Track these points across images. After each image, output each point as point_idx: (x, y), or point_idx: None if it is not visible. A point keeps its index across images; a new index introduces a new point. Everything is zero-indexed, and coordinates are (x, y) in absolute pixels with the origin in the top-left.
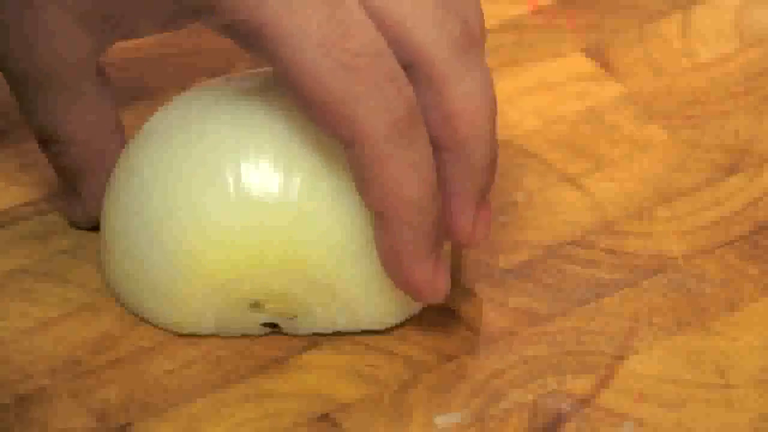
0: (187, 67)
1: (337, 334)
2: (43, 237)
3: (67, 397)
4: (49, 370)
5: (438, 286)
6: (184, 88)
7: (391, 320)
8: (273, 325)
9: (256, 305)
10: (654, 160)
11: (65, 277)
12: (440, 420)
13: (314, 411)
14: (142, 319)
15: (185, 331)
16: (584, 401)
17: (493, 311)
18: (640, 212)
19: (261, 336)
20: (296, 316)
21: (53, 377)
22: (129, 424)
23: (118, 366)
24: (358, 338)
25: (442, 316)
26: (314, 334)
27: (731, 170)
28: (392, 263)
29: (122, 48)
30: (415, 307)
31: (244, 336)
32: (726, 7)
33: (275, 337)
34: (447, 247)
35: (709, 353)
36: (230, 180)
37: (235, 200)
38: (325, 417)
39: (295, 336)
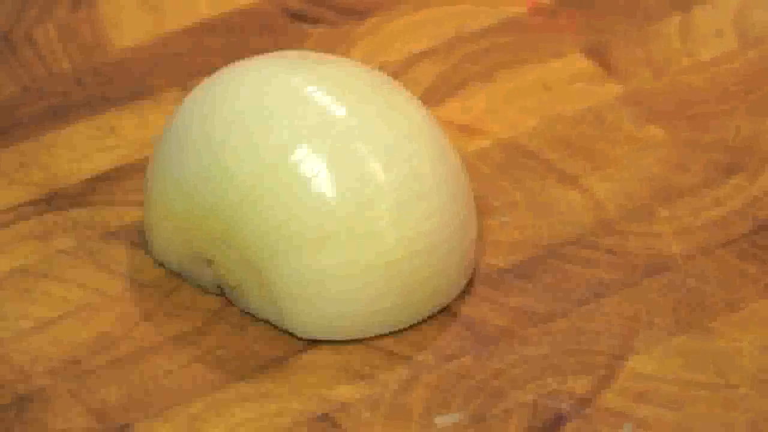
0: (187, 67)
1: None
2: (43, 237)
3: (67, 397)
4: (49, 370)
5: None
6: (184, 88)
7: (316, 333)
8: (222, 289)
9: (208, 263)
10: (654, 160)
11: (65, 277)
12: (440, 420)
13: (314, 411)
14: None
15: (159, 260)
16: (584, 401)
17: (493, 311)
18: (640, 212)
19: (214, 297)
20: (235, 288)
21: (53, 377)
22: (129, 424)
23: (118, 366)
24: (357, 339)
25: (441, 317)
26: (248, 313)
27: (731, 170)
28: None
29: (122, 48)
30: (348, 333)
31: (242, 335)
32: (726, 7)
33: (275, 337)
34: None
35: (709, 353)
36: (210, 139)
37: (204, 157)
38: (325, 417)
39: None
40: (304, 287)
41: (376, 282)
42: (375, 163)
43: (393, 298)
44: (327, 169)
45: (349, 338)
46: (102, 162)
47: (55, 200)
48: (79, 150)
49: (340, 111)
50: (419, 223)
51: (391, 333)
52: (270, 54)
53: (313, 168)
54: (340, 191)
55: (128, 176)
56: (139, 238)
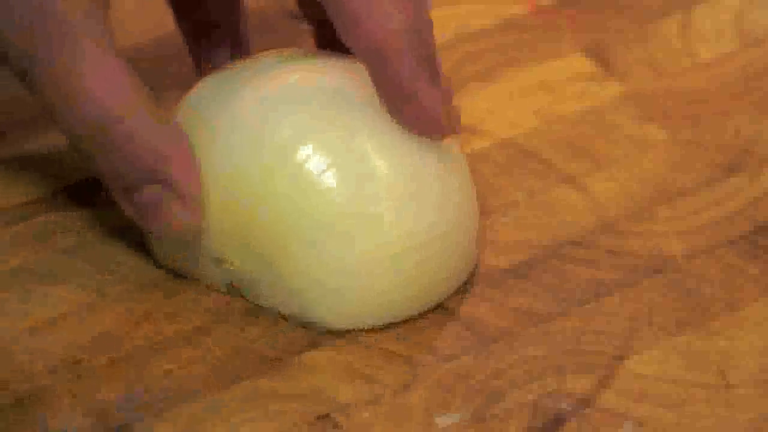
0: (188, 67)
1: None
2: (43, 237)
3: (67, 397)
4: (49, 370)
5: (451, 113)
6: (184, 89)
7: (335, 323)
8: (234, 286)
9: (218, 261)
10: (654, 160)
11: (65, 277)
12: (440, 420)
13: (314, 411)
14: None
15: (163, 263)
16: (584, 401)
17: (493, 311)
18: (640, 212)
19: (224, 295)
20: (249, 286)
21: (53, 377)
22: (129, 424)
23: (118, 366)
24: (358, 338)
25: (441, 316)
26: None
27: (731, 170)
28: (397, 99)
29: (122, 48)
30: (366, 322)
31: (242, 335)
32: (726, 7)
33: (275, 337)
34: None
35: (709, 353)
36: (217, 140)
37: (212, 159)
38: (325, 417)
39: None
40: (319, 280)
41: (388, 271)
42: (380, 160)
43: (407, 285)
44: (334, 165)
45: (367, 327)
46: None
47: (55, 200)
48: None
49: (343, 107)
50: (425, 214)
51: (390, 333)
52: (270, 51)
53: (320, 165)
54: (347, 186)
55: None
56: (139, 238)
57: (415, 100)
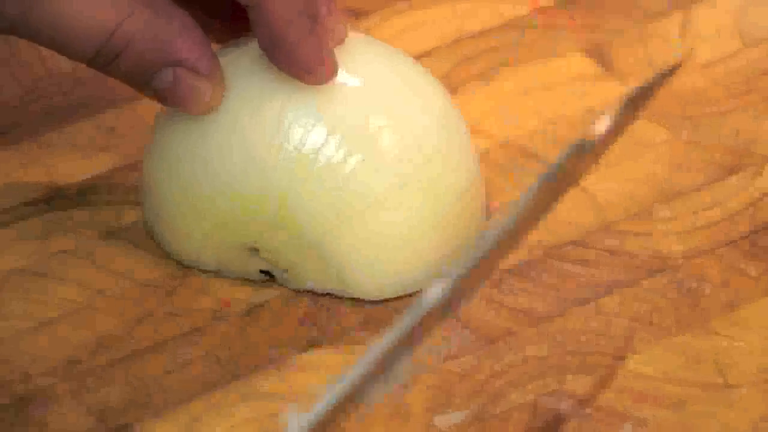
0: None
1: (333, 296)
2: (43, 237)
3: (67, 397)
4: (49, 370)
5: (326, 60)
6: None
7: (382, 293)
8: (270, 274)
9: (253, 251)
10: (654, 160)
11: (65, 277)
12: (440, 420)
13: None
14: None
15: (188, 263)
16: (584, 401)
17: (493, 311)
18: (640, 212)
19: (258, 283)
20: (288, 270)
21: (53, 377)
22: (129, 424)
23: (118, 366)
24: (357, 338)
25: None
26: (306, 291)
27: (731, 170)
28: (277, 48)
29: None
30: (410, 287)
31: (242, 335)
32: (726, 7)
33: (275, 337)
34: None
35: (709, 353)
36: (241, 130)
37: (241, 150)
38: None
39: (291, 289)
40: (366, 253)
41: (423, 237)
42: (393, 135)
43: (443, 246)
44: (352, 148)
45: (409, 293)
46: (102, 162)
47: (55, 200)
48: (79, 150)
49: (354, 89)
50: (447, 175)
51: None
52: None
53: (339, 149)
54: (366, 165)
55: (128, 176)
56: (139, 238)
57: (287, 47)
